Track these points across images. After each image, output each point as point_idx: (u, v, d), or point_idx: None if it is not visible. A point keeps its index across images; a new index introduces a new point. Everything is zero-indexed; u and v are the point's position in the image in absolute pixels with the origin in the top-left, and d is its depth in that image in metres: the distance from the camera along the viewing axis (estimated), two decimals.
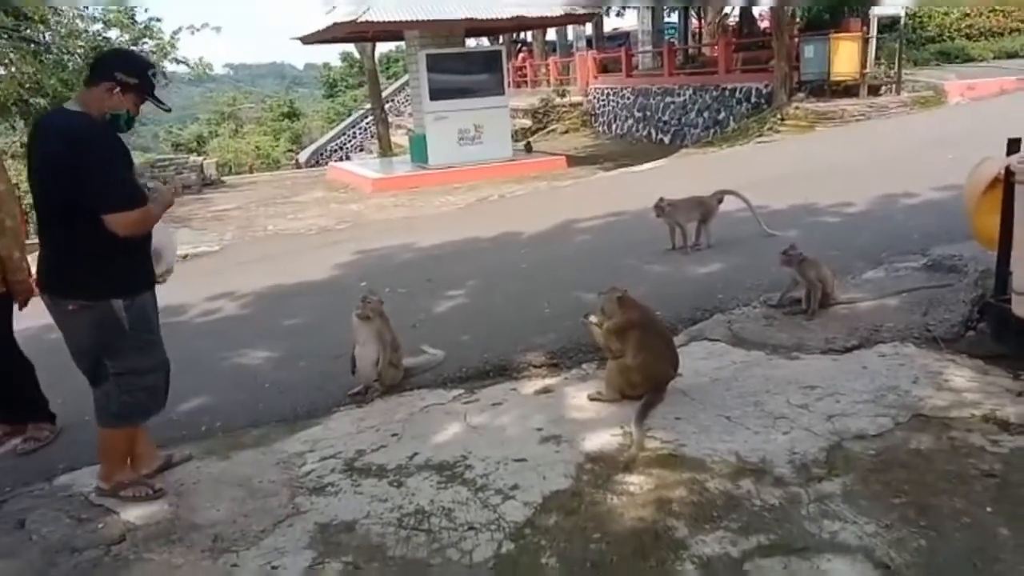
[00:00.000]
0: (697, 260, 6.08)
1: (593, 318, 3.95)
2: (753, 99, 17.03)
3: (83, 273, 3.11)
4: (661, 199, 6.49)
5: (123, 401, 3.27)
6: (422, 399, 4.14)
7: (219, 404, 4.48)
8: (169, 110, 3.52)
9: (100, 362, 3.25)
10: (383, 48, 30.51)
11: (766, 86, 16.34)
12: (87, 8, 14.26)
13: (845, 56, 14.54)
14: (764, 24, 21.67)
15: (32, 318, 4.28)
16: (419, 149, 15.71)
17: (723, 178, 10.08)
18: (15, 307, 4.09)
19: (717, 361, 4.14)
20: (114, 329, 3.14)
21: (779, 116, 14.37)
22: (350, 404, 4.19)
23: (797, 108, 14.34)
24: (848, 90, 14.78)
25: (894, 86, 14.61)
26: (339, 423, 3.95)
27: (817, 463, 3.02)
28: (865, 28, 14.57)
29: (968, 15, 18.67)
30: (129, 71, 3.14)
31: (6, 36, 13.16)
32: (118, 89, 3.12)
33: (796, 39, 16.13)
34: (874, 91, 14.75)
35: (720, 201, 6.56)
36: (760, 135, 13.91)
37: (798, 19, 18.63)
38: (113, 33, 14.38)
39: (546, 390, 4.05)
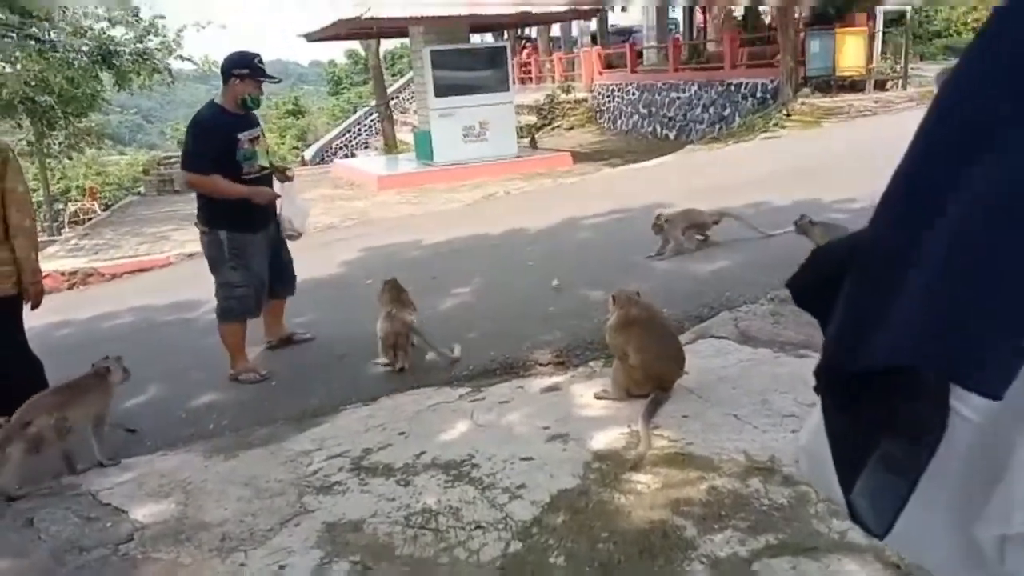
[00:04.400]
0: (704, 258, 6.06)
1: None
2: (759, 95, 16.97)
3: (205, 210, 4.63)
4: (659, 215, 6.42)
5: (220, 305, 4.70)
6: (429, 397, 4.14)
7: (227, 402, 4.50)
8: (279, 80, 5.05)
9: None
10: (388, 45, 30.58)
11: (772, 82, 16.28)
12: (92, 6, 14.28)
13: (851, 51, 14.50)
14: (769, 19, 21.58)
15: (40, 316, 4.30)
16: (424, 146, 15.69)
17: (728, 174, 10.06)
18: (26, 307, 4.12)
19: (724, 359, 4.12)
20: (219, 251, 4.60)
21: (785, 112, 14.32)
22: (357, 403, 4.19)
23: (803, 104, 14.30)
24: (854, 85, 14.74)
25: (900, 81, 14.56)
26: (346, 421, 3.95)
27: None
28: (871, 23, 14.52)
29: (975, 9, 18.59)
30: (240, 66, 4.50)
31: (12, 34, 13.19)
32: (238, 81, 4.49)
33: (802, 34, 16.06)
34: (880, 86, 14.71)
35: (717, 222, 6.45)
36: (766, 131, 13.87)
37: (803, 14, 18.59)
38: (118, 31, 14.42)
39: (553, 388, 4.04)
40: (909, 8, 14.52)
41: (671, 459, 3.14)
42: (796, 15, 17.05)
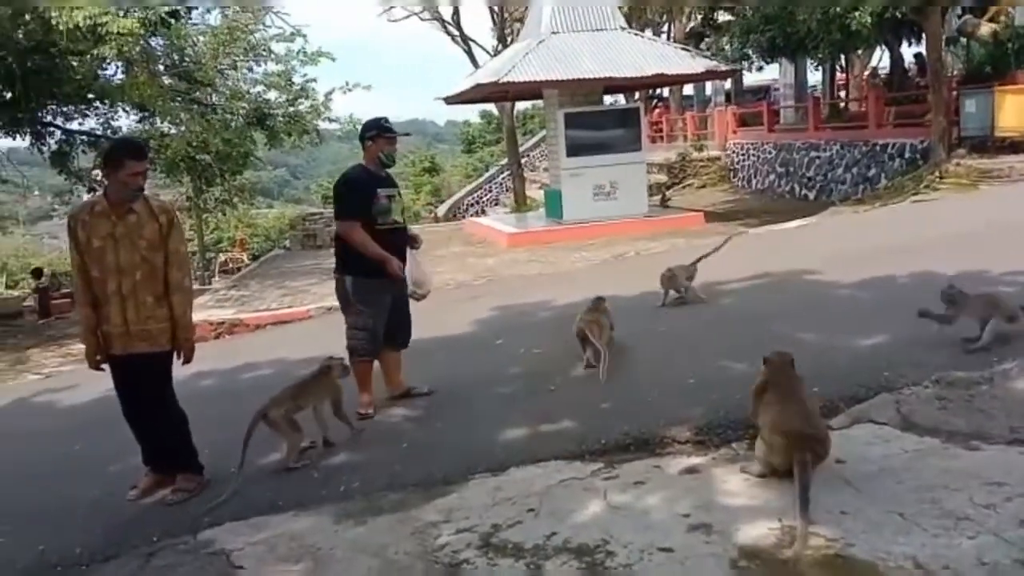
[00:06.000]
0: (859, 330, 5.60)
1: None
2: (907, 155, 16.15)
3: (339, 257, 5.20)
4: (668, 269, 7.37)
5: (347, 343, 5.20)
6: (559, 471, 3.97)
7: (358, 462, 4.49)
8: (408, 135, 5.65)
9: None
10: (519, 105, 31.30)
11: (921, 142, 15.46)
12: (250, 72, 15.31)
13: (1012, 110, 13.55)
14: (917, 76, 20.64)
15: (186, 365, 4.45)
16: (554, 204, 15.78)
17: (880, 239, 9.50)
18: (177, 361, 4.29)
19: (885, 448, 3.75)
20: (344, 295, 5.18)
21: (937, 173, 13.49)
22: (486, 472, 4.06)
23: (958, 165, 13.43)
24: (1015, 146, 13.72)
25: None
26: (475, 492, 3.84)
27: None
28: None
29: None
30: (369, 130, 5.16)
31: (179, 99, 14.29)
32: (371, 142, 5.12)
33: (955, 92, 15.22)
34: None
35: (690, 278, 7.39)
36: (916, 193, 13.09)
37: (956, 71, 17.64)
38: (272, 95, 15.33)
39: (692, 470, 3.79)
40: None
41: (829, 563, 2.83)
42: (949, 73, 16.23)
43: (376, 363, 5.35)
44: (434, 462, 4.30)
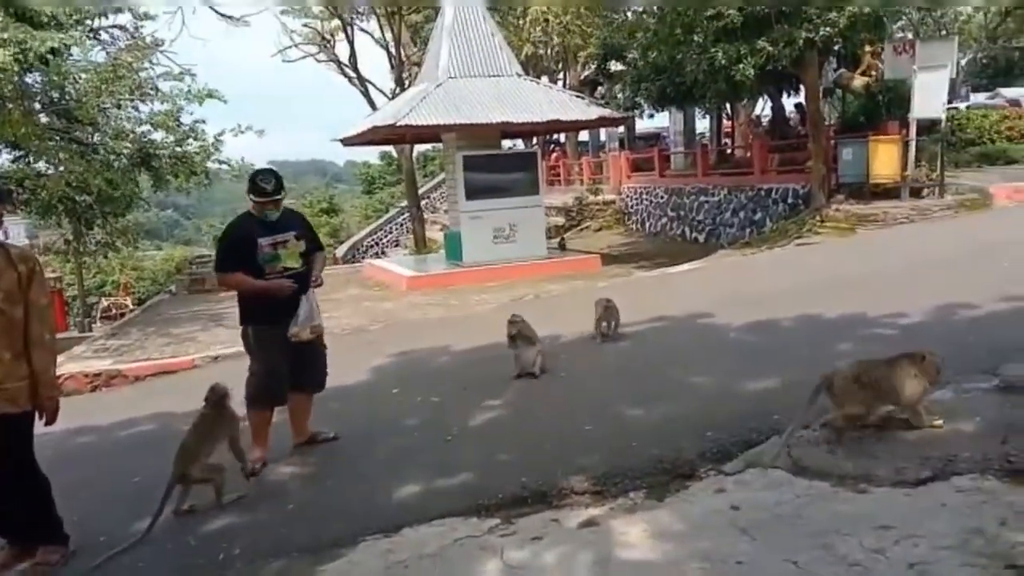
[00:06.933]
0: (749, 374, 5.72)
1: None
2: (790, 200, 16.92)
3: (238, 307, 5.14)
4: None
5: (246, 391, 5.01)
6: (455, 529, 3.82)
7: (240, 526, 4.22)
8: (267, 191, 4.96)
9: None
10: (419, 147, 31.28)
11: (803, 187, 16.23)
12: (135, 111, 14.74)
13: (885, 158, 14.39)
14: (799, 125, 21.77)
15: (58, 420, 4.09)
16: (454, 247, 15.73)
17: (767, 282, 9.83)
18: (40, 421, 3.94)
19: (777, 493, 3.78)
20: (247, 343, 5.13)
21: (819, 218, 14.17)
22: (378, 532, 3.87)
23: (837, 210, 14.14)
24: (889, 192, 14.56)
25: (937, 189, 14.37)
26: (365, 556, 3.64)
27: None
28: (904, 131, 14.47)
29: (1007, 117, 18.53)
30: (248, 184, 5.03)
31: (58, 138, 13.57)
32: (250, 196, 5.01)
33: (833, 141, 16.09)
34: (916, 193, 14.51)
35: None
36: (799, 236, 13.69)
37: (833, 121, 18.69)
38: (159, 135, 14.77)
39: (590, 522, 3.71)
40: (943, 117, 14.45)
41: None
42: (828, 123, 17.18)
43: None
44: (323, 523, 4.08)
